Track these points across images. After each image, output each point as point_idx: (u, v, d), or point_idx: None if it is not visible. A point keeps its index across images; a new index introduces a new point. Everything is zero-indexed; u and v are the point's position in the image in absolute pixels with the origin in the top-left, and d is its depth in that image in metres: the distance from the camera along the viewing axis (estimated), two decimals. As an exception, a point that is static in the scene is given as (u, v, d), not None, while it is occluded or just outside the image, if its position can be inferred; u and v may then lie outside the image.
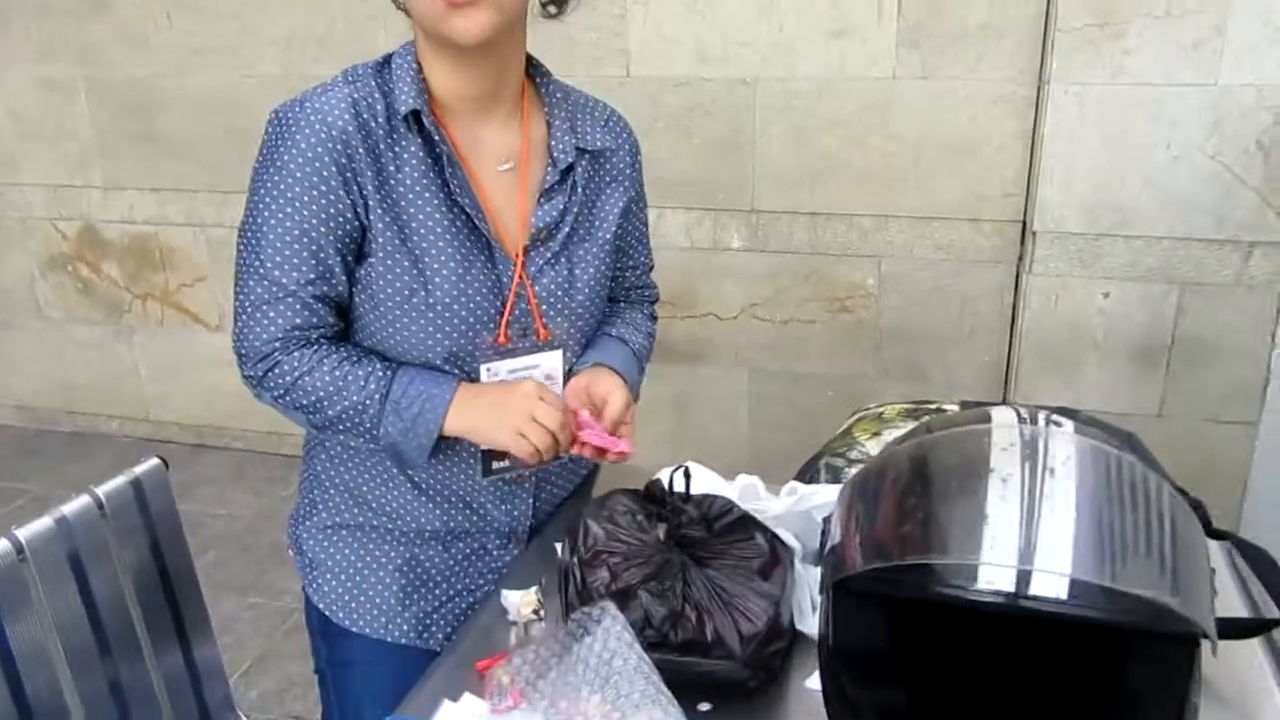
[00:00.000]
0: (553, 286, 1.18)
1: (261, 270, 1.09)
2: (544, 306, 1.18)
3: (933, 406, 1.14)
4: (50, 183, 3.38)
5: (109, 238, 3.40)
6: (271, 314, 1.10)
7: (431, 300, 1.11)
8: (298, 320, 1.11)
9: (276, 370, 1.11)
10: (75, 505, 1.35)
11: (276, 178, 1.08)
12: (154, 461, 1.46)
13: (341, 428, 1.13)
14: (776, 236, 2.81)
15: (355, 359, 1.13)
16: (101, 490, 1.38)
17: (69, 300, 3.53)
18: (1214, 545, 1.08)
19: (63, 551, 1.32)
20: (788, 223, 2.79)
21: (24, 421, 3.73)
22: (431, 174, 1.11)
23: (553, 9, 1.17)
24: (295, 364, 1.11)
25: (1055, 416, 0.83)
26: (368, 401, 1.11)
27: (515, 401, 1.11)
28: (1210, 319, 2.51)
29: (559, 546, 1.03)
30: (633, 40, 2.72)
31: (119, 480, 1.41)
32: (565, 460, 1.24)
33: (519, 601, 1.10)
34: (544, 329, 1.18)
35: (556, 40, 2.69)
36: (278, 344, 1.11)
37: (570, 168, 1.20)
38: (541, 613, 1.09)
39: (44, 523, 1.30)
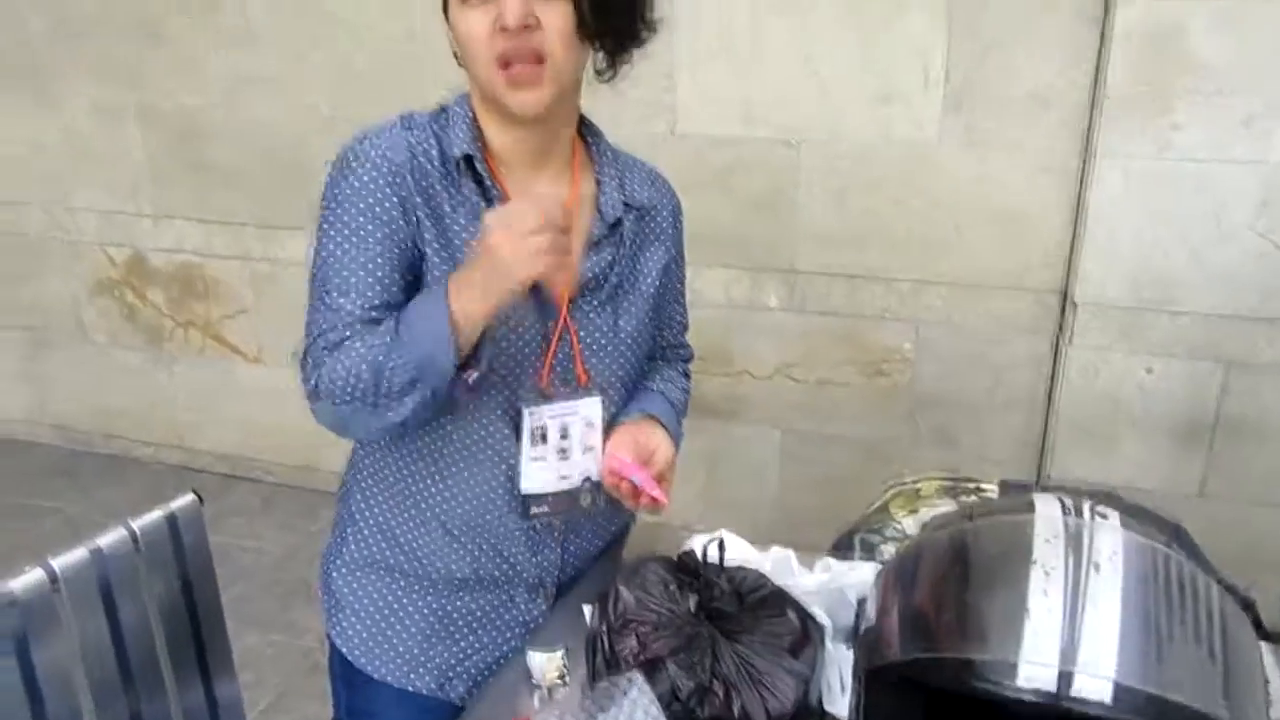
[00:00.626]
0: (596, 334, 1.22)
1: (327, 299, 1.11)
2: (586, 353, 1.21)
3: (971, 485, 1.13)
4: (102, 208, 3.45)
5: (156, 265, 3.46)
6: (332, 336, 1.10)
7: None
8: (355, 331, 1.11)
9: (323, 371, 1.10)
10: (110, 537, 1.36)
11: (339, 210, 1.12)
12: (189, 497, 1.48)
13: (381, 388, 1.08)
14: (814, 297, 2.81)
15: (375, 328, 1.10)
16: (136, 523, 1.40)
17: (113, 325, 3.59)
18: (1265, 648, 1.06)
19: (95, 581, 1.33)
20: (825, 284, 2.79)
21: (61, 441, 3.78)
22: (482, 214, 1.13)
23: (607, 75, 1.20)
24: (338, 355, 1.09)
25: (1100, 508, 0.81)
26: (387, 347, 1.07)
27: (499, 244, 1.01)
28: (1256, 398, 2.47)
29: (587, 610, 1.02)
30: (679, 98, 2.74)
31: (154, 514, 1.42)
32: (596, 511, 1.24)
33: (544, 664, 1.09)
34: (584, 374, 1.20)
35: (604, 95, 2.73)
36: (327, 352, 1.10)
37: (618, 222, 1.23)
38: (566, 677, 1.08)
39: (79, 553, 1.32)
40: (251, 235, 3.30)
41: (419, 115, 1.18)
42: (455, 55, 1.16)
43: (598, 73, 1.20)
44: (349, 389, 1.07)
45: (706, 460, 3.03)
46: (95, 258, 3.53)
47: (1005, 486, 1.15)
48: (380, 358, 1.05)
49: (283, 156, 3.11)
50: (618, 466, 1.16)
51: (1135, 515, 0.90)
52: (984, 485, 1.12)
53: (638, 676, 0.89)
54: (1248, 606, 0.90)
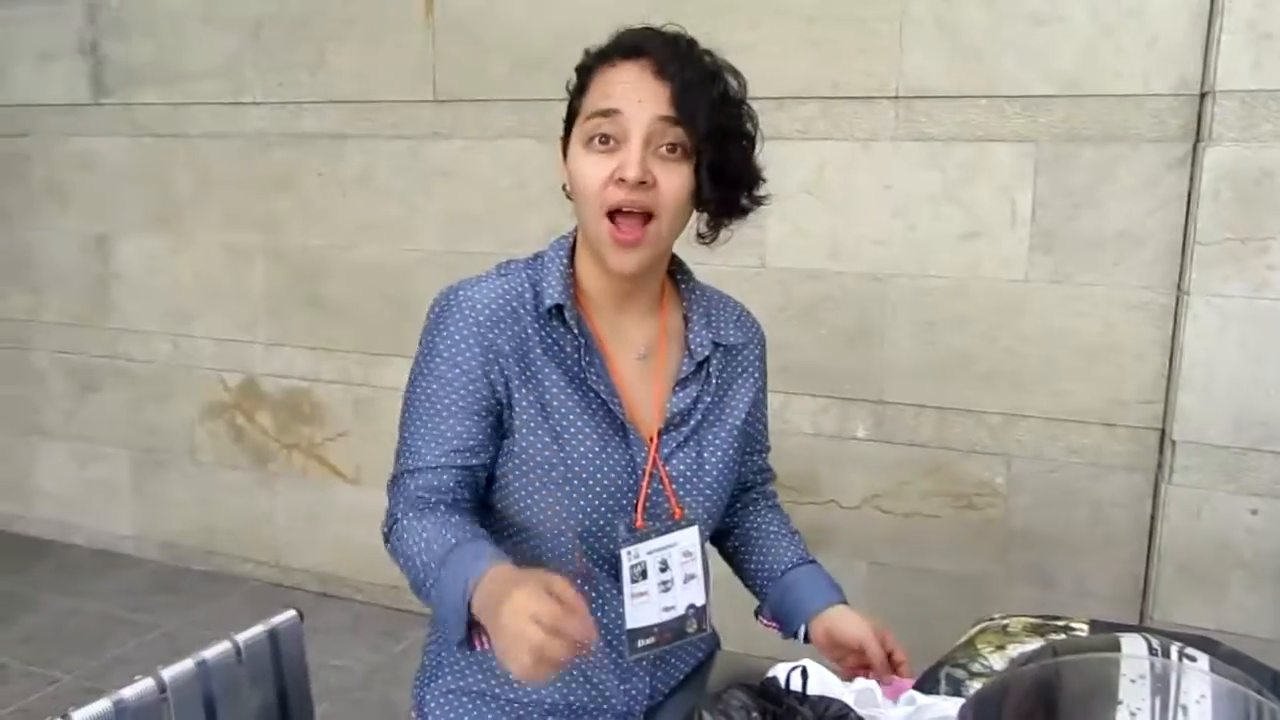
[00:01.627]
0: (683, 468, 1.25)
1: (409, 440, 1.19)
2: (676, 488, 1.23)
3: (1061, 624, 1.11)
4: (220, 337, 3.67)
5: (266, 390, 3.64)
6: (408, 481, 1.18)
7: (570, 475, 1.17)
8: (431, 482, 1.18)
9: (396, 528, 1.17)
10: (215, 650, 1.42)
11: (428, 357, 1.20)
12: (291, 613, 1.53)
13: (421, 595, 1.12)
14: (902, 429, 2.81)
15: (448, 522, 1.13)
16: (240, 637, 1.45)
17: (221, 446, 3.77)
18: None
19: (199, 692, 1.38)
20: (914, 415, 2.79)
21: (166, 558, 3.93)
22: (572, 360, 1.20)
23: (710, 239, 1.27)
24: (408, 524, 1.16)
25: (1189, 650, 0.81)
26: (429, 572, 1.09)
27: (503, 616, 0.93)
28: (1367, 543, 2.37)
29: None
30: (769, 233, 2.84)
31: (257, 629, 1.48)
32: (689, 642, 1.26)
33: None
34: (679, 508, 1.23)
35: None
36: (407, 508, 1.18)
37: (706, 360, 1.27)
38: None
39: (186, 665, 1.37)
40: (355, 361, 3.46)
41: (515, 263, 1.26)
42: (565, 189, 1.24)
43: (699, 236, 1.27)
44: (403, 569, 1.15)
45: (793, 593, 2.99)
46: (210, 383, 3.73)
47: (1096, 626, 1.13)
48: (424, 578, 1.11)
49: (392, 291, 3.28)
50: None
51: (1229, 660, 0.89)
52: (1074, 624, 1.11)
53: None
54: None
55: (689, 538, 1.23)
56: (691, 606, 1.23)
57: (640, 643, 1.21)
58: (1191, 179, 2.43)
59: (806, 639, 1.33)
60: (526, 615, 0.89)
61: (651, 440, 1.22)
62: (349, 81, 3.31)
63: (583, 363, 1.20)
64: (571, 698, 1.26)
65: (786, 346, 2.83)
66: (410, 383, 1.23)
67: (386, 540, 1.21)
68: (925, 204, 2.69)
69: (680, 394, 1.26)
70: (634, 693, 1.28)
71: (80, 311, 3.90)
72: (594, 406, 1.20)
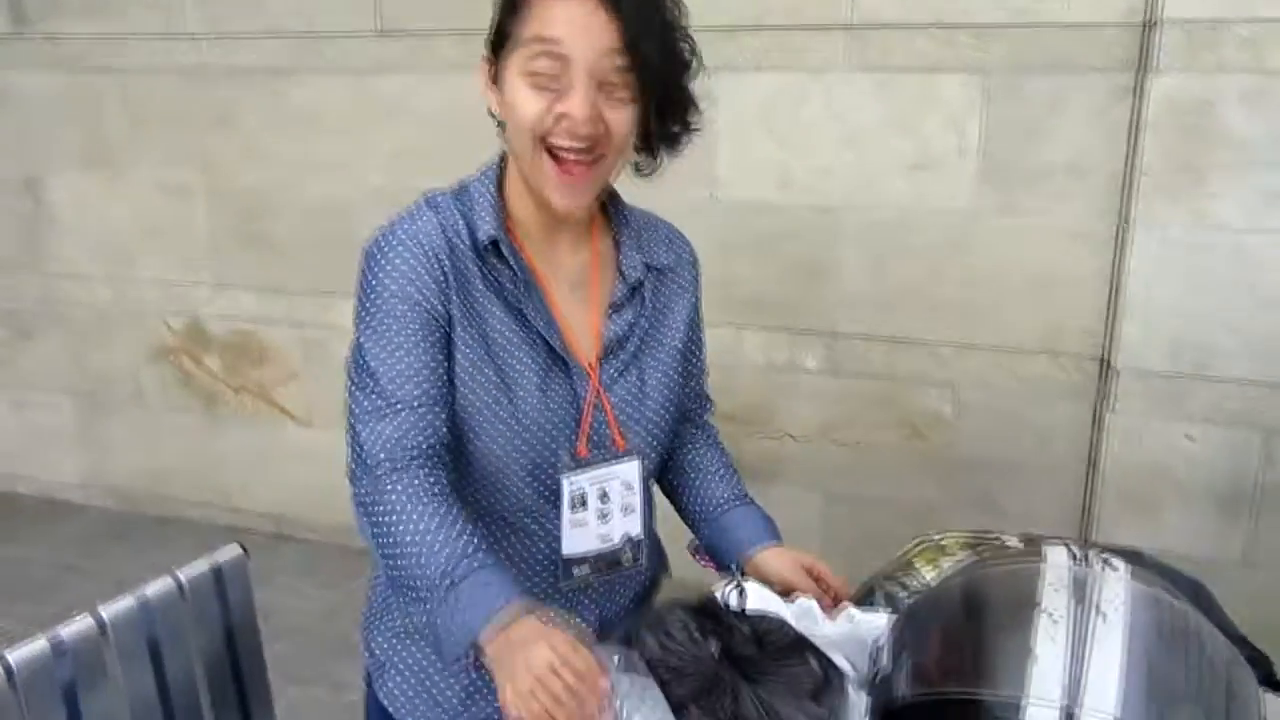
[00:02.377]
0: (627, 396, 1.24)
1: (371, 385, 1.13)
2: (620, 416, 1.22)
3: (994, 538, 1.14)
4: (164, 279, 3.60)
5: (213, 333, 3.59)
6: (379, 426, 1.11)
7: (515, 411, 1.16)
8: (407, 429, 1.11)
9: (376, 493, 1.10)
10: (157, 586, 1.41)
11: (376, 298, 1.14)
12: (235, 549, 1.52)
13: (396, 579, 1.10)
14: (853, 360, 2.83)
15: (443, 514, 1.09)
16: (183, 573, 1.44)
17: (168, 391, 3.71)
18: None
19: (142, 630, 1.37)
20: (864, 347, 2.82)
21: (116, 505, 3.88)
22: (510, 293, 1.18)
23: (648, 172, 1.25)
24: (393, 492, 1.10)
25: (1109, 558, 0.83)
26: (437, 580, 1.06)
27: (532, 658, 0.97)
28: (1299, 467, 2.44)
29: (615, 658, 1.05)
30: (719, 166, 2.82)
31: (201, 565, 1.47)
32: (636, 571, 1.27)
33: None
34: (621, 439, 1.22)
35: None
36: (385, 459, 1.11)
37: (640, 283, 1.26)
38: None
39: (126, 602, 1.36)
40: (302, 303, 3.41)
41: (442, 195, 1.22)
42: (491, 113, 1.19)
43: (635, 167, 1.23)
44: (378, 537, 1.09)
45: (745, 525, 3.03)
46: (155, 326, 3.66)
47: (1028, 540, 1.16)
48: (422, 581, 1.05)
49: (339, 230, 3.22)
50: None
51: (1153, 569, 0.92)
52: (1007, 539, 1.13)
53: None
54: (1258, 662, 0.90)
55: (630, 470, 1.23)
56: (628, 538, 1.24)
57: (575, 571, 1.22)
58: (1136, 110, 2.44)
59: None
60: (558, 664, 0.95)
61: (591, 369, 1.21)
62: (289, 14, 3.20)
63: (520, 296, 1.18)
64: None
65: (738, 280, 2.83)
66: (360, 329, 1.16)
67: (353, 483, 1.15)
68: (875, 135, 2.68)
69: (616, 319, 1.24)
70: (579, 619, 1.28)
71: (12, 256, 3.77)
72: (534, 339, 1.18)
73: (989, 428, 2.76)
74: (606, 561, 1.24)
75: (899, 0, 2.59)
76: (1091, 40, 2.47)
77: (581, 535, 1.21)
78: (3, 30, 3.55)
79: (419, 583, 1.06)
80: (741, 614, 1.04)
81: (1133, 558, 0.92)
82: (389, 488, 1.09)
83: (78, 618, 1.30)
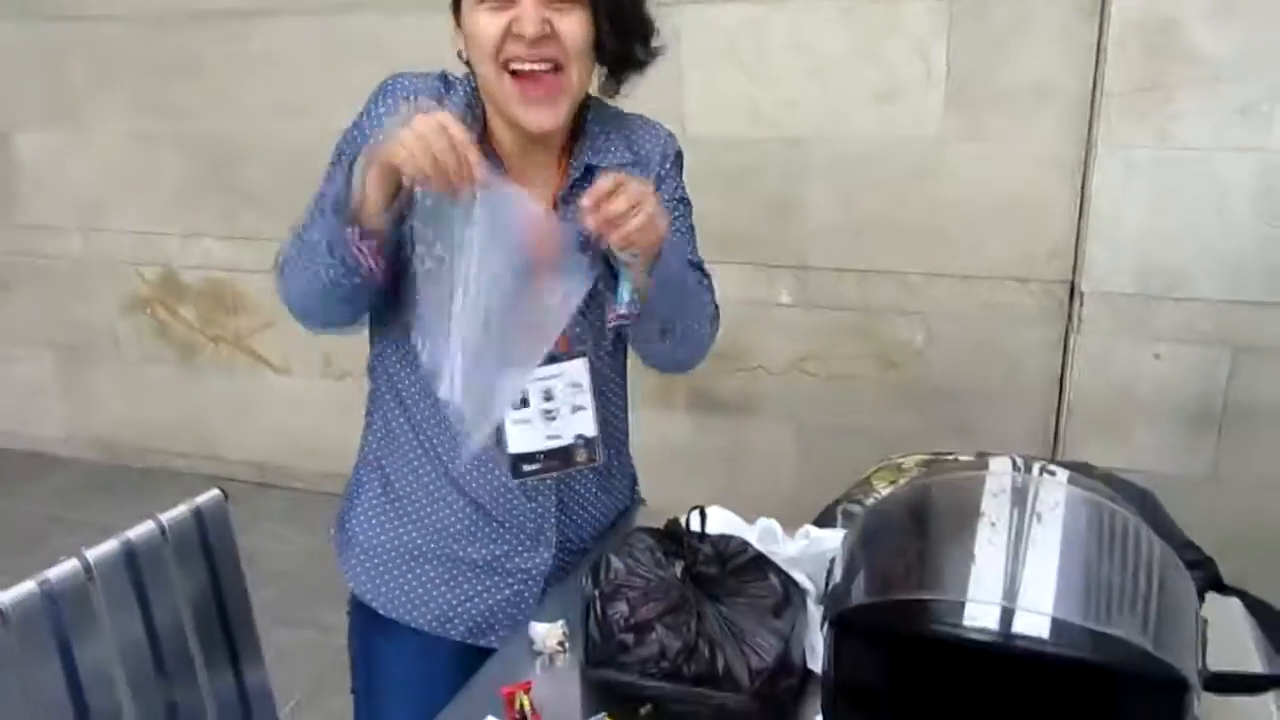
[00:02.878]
0: None
1: (323, 187, 1.21)
2: None
3: (950, 457, 1.17)
4: (135, 229, 3.57)
5: (187, 282, 3.57)
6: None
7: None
8: None
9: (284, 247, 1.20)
10: (140, 530, 1.44)
11: (360, 124, 1.25)
12: (214, 493, 1.54)
13: (301, 243, 1.18)
14: (825, 293, 2.86)
15: None
16: (165, 517, 1.47)
17: (145, 341, 3.71)
18: (1236, 604, 1.10)
19: (127, 575, 1.39)
20: (835, 279, 2.84)
21: (99, 456, 3.90)
22: None
23: (610, 93, 1.25)
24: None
25: (1050, 466, 0.86)
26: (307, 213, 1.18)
27: (415, 124, 1.05)
28: (1265, 383, 2.49)
29: (585, 581, 1.08)
30: (687, 101, 2.81)
31: (181, 508, 1.49)
32: (601, 460, 1.29)
33: (545, 634, 1.15)
34: (564, 339, 1.23)
35: (618, 101, 2.81)
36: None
37: (580, 181, 1.24)
38: (565, 644, 1.14)
39: (111, 545, 1.39)
40: (276, 250, 3.39)
41: (458, 81, 1.25)
42: (460, 55, 1.22)
43: (600, 92, 1.25)
44: (282, 251, 1.20)
45: (723, 456, 3.08)
46: (128, 276, 3.64)
47: (981, 457, 1.20)
48: (301, 221, 1.16)
49: (311, 174, 3.18)
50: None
51: (1102, 480, 0.95)
52: (962, 457, 1.17)
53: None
54: (1201, 563, 0.94)
55: (576, 369, 1.24)
56: (580, 437, 1.26)
57: (525, 467, 1.25)
58: (1100, 29, 2.44)
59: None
60: (439, 126, 1.02)
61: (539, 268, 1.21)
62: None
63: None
64: (482, 508, 1.30)
65: (709, 216, 2.78)
66: (337, 148, 1.27)
67: (279, 273, 1.23)
68: (841, 65, 2.67)
69: (560, 214, 1.23)
70: (542, 511, 1.32)
71: (-16, 210, 3.75)
72: None
73: (960, 356, 2.79)
74: (559, 459, 1.26)
75: (862, -75, 2.57)
76: (1058, -42, 2.46)
77: (526, 433, 1.23)
78: (-40, -21, 3.48)
79: (297, 227, 1.17)
80: (704, 536, 1.08)
81: (1078, 469, 0.95)
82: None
83: (64, 561, 1.32)
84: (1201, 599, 0.90)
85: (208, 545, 1.52)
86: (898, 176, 2.71)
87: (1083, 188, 2.56)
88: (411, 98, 1.20)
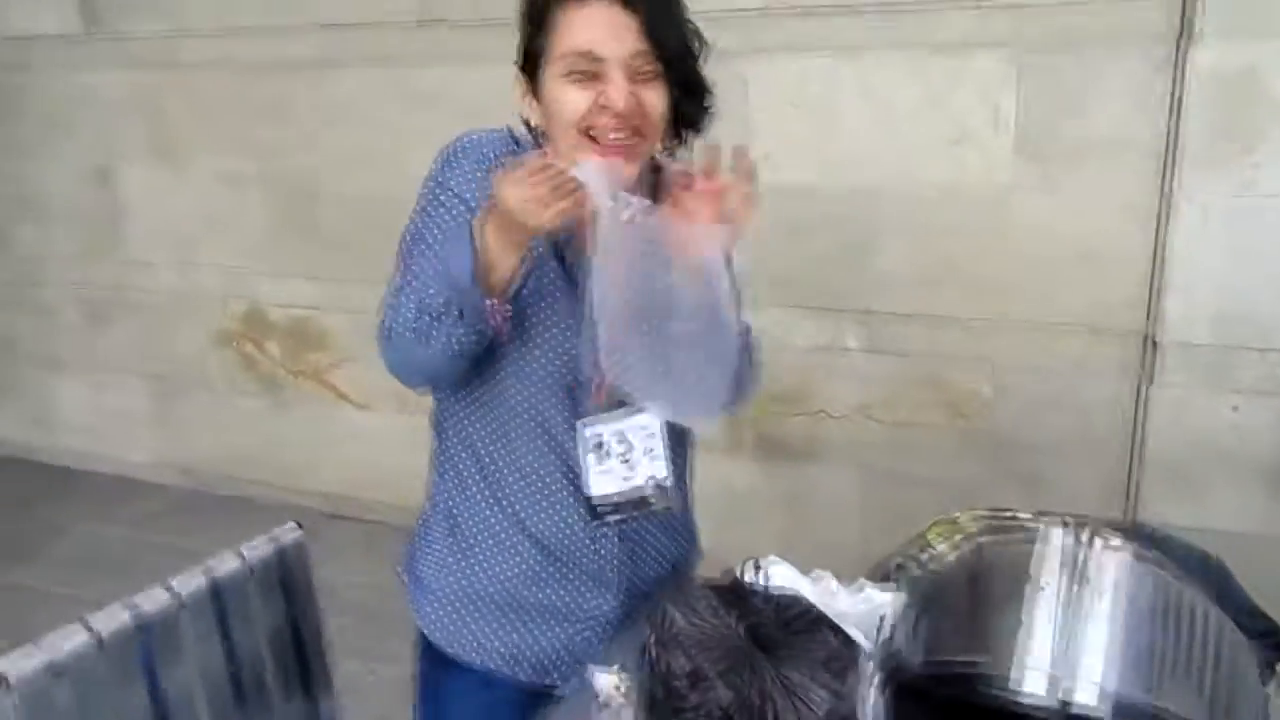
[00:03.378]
0: None
1: (409, 263, 1.25)
2: None
3: (1008, 515, 1.17)
4: (225, 265, 3.73)
5: (273, 319, 3.71)
6: (410, 298, 1.22)
7: (528, 345, 1.25)
8: None
9: (390, 313, 1.23)
10: (225, 563, 1.51)
11: (436, 192, 1.27)
12: (295, 529, 1.61)
13: (424, 314, 1.18)
14: (892, 339, 2.85)
15: None
16: (248, 551, 1.54)
17: (233, 374, 3.85)
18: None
19: (211, 605, 1.46)
20: (903, 325, 2.83)
21: (184, 482, 4.04)
22: (554, 234, 1.24)
23: (674, 148, 1.30)
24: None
25: (1108, 534, 0.87)
26: (429, 280, 1.19)
27: (505, 197, 1.10)
28: (1349, 438, 2.42)
29: (644, 631, 1.11)
30: (755, 150, 2.82)
31: (263, 542, 1.56)
32: (664, 508, 1.32)
33: (605, 681, 1.18)
34: None
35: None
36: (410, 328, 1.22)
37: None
38: (623, 688, 1.17)
39: (196, 576, 1.46)
40: (355, 289, 3.51)
41: (523, 137, 1.30)
42: (528, 124, 1.28)
43: (664, 149, 1.30)
44: (403, 324, 1.20)
45: (786, 502, 3.08)
46: (217, 311, 3.80)
47: (1039, 515, 1.19)
48: (424, 289, 1.18)
49: (385, 219, 3.28)
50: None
51: (1157, 543, 0.95)
52: (1021, 516, 1.16)
53: None
54: (1269, 634, 0.93)
55: (648, 420, 1.28)
56: (652, 479, 1.30)
57: (602, 511, 1.29)
58: (1177, 79, 2.42)
59: None
60: (535, 167, 1.08)
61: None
62: (337, 6, 3.28)
63: (564, 240, 1.26)
64: (548, 547, 1.33)
65: (775, 261, 2.86)
66: (414, 223, 1.29)
67: (386, 338, 1.25)
68: (910, 114, 2.69)
69: None
70: (603, 553, 1.35)
71: (87, 244, 3.95)
72: (568, 284, 1.26)
73: (1030, 406, 2.76)
74: (633, 502, 1.30)
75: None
76: (1128, 11, 2.44)
77: (605, 478, 1.28)
78: (77, 31, 3.70)
79: (422, 295, 1.17)
80: (764, 591, 1.10)
81: (1137, 533, 0.95)
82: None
83: (153, 590, 1.39)
84: (1271, 670, 0.89)
85: (287, 579, 1.58)
86: (967, 224, 2.70)
87: (1158, 236, 2.53)
88: (491, 160, 1.25)
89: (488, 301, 1.15)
